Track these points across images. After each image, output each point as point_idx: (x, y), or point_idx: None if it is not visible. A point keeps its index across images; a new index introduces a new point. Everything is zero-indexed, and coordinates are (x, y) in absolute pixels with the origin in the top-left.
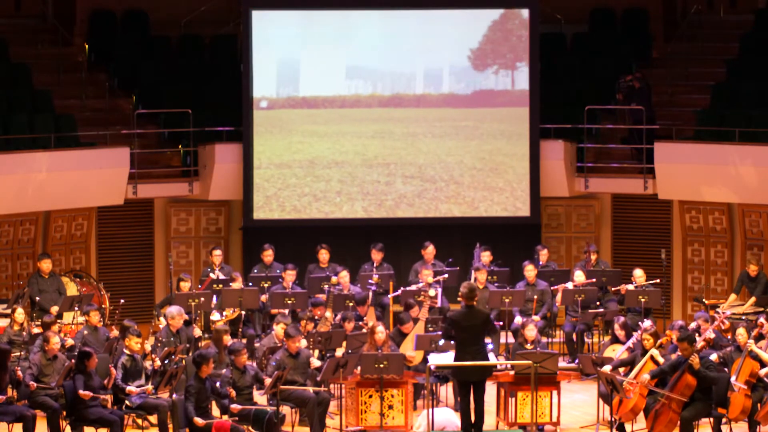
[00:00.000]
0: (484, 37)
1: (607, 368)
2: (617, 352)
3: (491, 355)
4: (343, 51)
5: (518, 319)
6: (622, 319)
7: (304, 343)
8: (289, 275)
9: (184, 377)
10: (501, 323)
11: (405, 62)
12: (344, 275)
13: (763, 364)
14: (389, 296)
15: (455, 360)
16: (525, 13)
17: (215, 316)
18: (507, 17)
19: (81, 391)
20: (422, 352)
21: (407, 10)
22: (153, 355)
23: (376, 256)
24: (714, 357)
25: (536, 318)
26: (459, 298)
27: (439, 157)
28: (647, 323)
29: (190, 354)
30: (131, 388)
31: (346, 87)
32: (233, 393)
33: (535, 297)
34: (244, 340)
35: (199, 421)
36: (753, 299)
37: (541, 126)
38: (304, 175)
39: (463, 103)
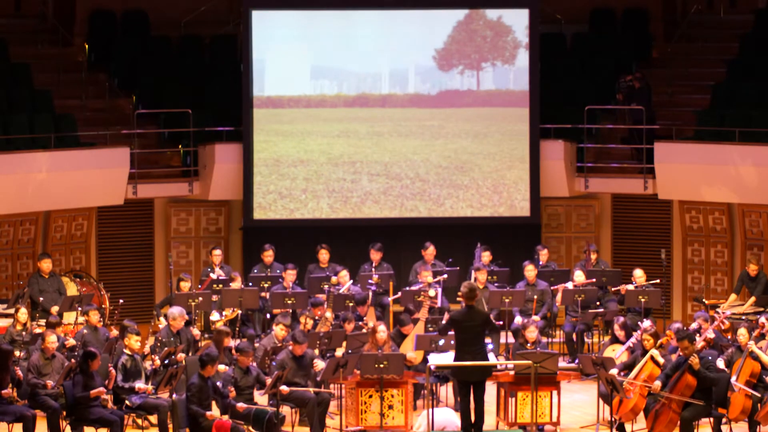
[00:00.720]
0: (449, 38)
1: (613, 371)
2: (617, 352)
3: (491, 355)
4: (308, 51)
5: (518, 319)
6: (621, 319)
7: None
8: (290, 275)
9: (184, 377)
10: (501, 322)
11: (371, 63)
12: (344, 275)
13: (764, 366)
14: (390, 299)
15: (455, 360)
16: (489, 13)
17: (215, 316)
18: (471, 18)
19: (93, 391)
20: (422, 352)
21: (368, 11)
22: (153, 356)
23: (375, 256)
24: (721, 363)
25: (536, 318)
26: (459, 298)
27: (404, 155)
28: (647, 323)
29: (190, 354)
30: (140, 384)
31: (311, 87)
32: (233, 392)
33: (535, 297)
34: (244, 340)
35: (210, 413)
36: (753, 299)
37: (541, 126)
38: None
39: (429, 103)
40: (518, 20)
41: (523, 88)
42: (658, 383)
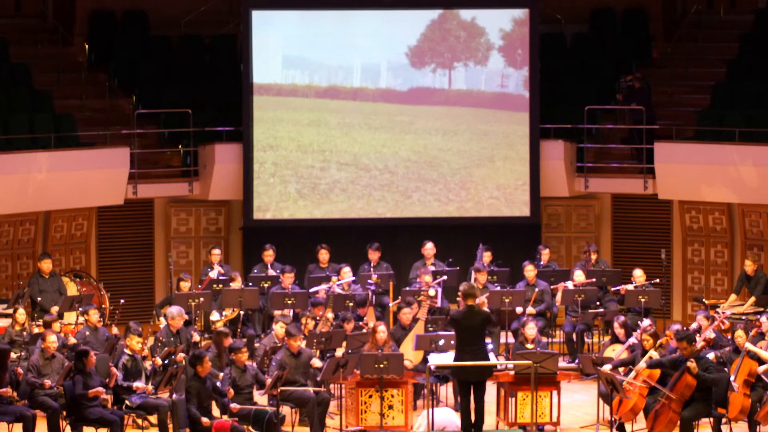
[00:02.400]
0: (422, 36)
1: (606, 367)
2: (617, 351)
3: (491, 355)
4: (287, 42)
5: (519, 309)
6: (621, 318)
7: (304, 342)
8: (288, 278)
9: (184, 377)
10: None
11: (344, 56)
12: (347, 271)
13: (761, 362)
14: (391, 303)
15: (455, 360)
16: (463, 13)
17: (215, 316)
18: (446, 18)
19: (92, 391)
20: (422, 352)
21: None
22: (154, 358)
23: (373, 255)
24: (711, 356)
25: (531, 310)
26: (458, 298)
27: (374, 147)
28: (646, 322)
29: (190, 354)
30: (139, 384)
31: (282, 76)
32: (231, 392)
33: (536, 290)
34: (244, 340)
35: (206, 420)
36: (753, 299)
37: (541, 126)
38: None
39: (399, 98)
40: (492, 22)
41: (494, 90)
42: (642, 364)
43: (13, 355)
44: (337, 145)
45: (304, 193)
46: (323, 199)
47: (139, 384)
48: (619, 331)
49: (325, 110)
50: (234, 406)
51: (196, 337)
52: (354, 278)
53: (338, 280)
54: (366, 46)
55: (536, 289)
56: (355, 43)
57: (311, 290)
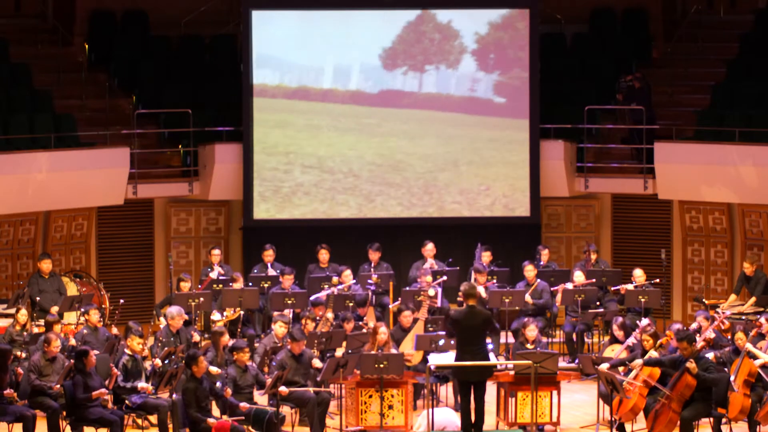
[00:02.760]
0: (397, 38)
1: (604, 366)
2: (616, 351)
3: (491, 355)
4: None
5: (528, 298)
6: (620, 319)
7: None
8: (287, 280)
9: (184, 377)
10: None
11: (315, 57)
12: (347, 274)
13: (762, 366)
14: (391, 304)
15: (456, 360)
16: (439, 15)
17: (216, 316)
18: (422, 19)
19: (94, 393)
20: (422, 352)
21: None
22: (154, 359)
23: (373, 256)
24: (711, 356)
25: (529, 299)
26: (459, 298)
27: (340, 150)
28: (644, 321)
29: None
30: (142, 384)
31: (260, 76)
32: (228, 392)
33: (537, 281)
34: (245, 340)
35: (212, 420)
36: (753, 299)
37: (541, 126)
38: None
39: (369, 101)
40: (468, 25)
41: (463, 94)
42: (639, 361)
43: (21, 354)
44: (303, 147)
45: (266, 195)
46: (285, 202)
47: (143, 384)
48: (618, 333)
49: (293, 111)
50: (244, 405)
51: (196, 337)
52: (355, 281)
53: (339, 282)
54: (340, 47)
55: (537, 280)
56: (330, 43)
57: (312, 298)
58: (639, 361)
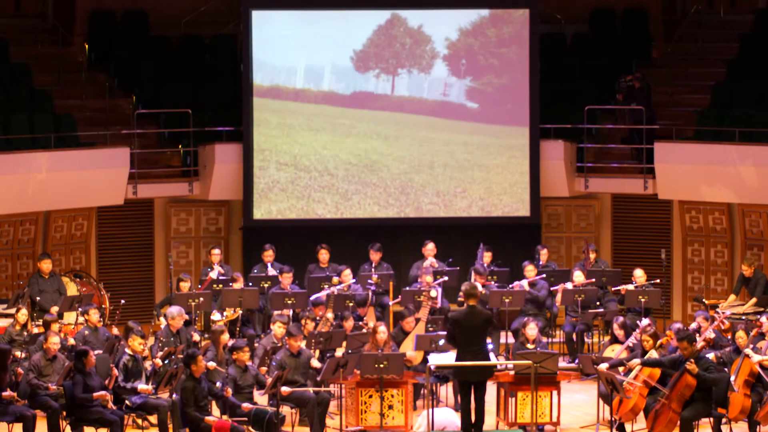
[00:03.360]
0: (368, 40)
1: (603, 366)
2: (616, 351)
3: (491, 355)
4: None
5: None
6: (620, 319)
7: (304, 343)
8: (286, 278)
9: (184, 377)
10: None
11: (288, 57)
12: (347, 273)
13: (762, 366)
14: (391, 302)
15: (456, 360)
16: (411, 19)
17: (216, 316)
18: (393, 23)
19: (96, 394)
20: (422, 352)
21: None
22: (154, 359)
23: (374, 256)
24: (711, 356)
25: (525, 285)
26: (460, 298)
27: (314, 149)
28: (645, 322)
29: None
30: (142, 386)
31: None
32: (229, 392)
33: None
34: (245, 340)
35: (211, 419)
36: (754, 300)
37: (541, 126)
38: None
39: (341, 102)
40: (439, 31)
41: (436, 98)
42: (637, 360)
43: (19, 354)
44: (277, 145)
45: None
46: (262, 198)
47: (141, 385)
48: (619, 333)
49: (266, 110)
50: (246, 405)
51: (196, 337)
52: (355, 280)
53: (339, 282)
54: (312, 47)
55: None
56: (304, 44)
57: (312, 298)
58: (637, 361)
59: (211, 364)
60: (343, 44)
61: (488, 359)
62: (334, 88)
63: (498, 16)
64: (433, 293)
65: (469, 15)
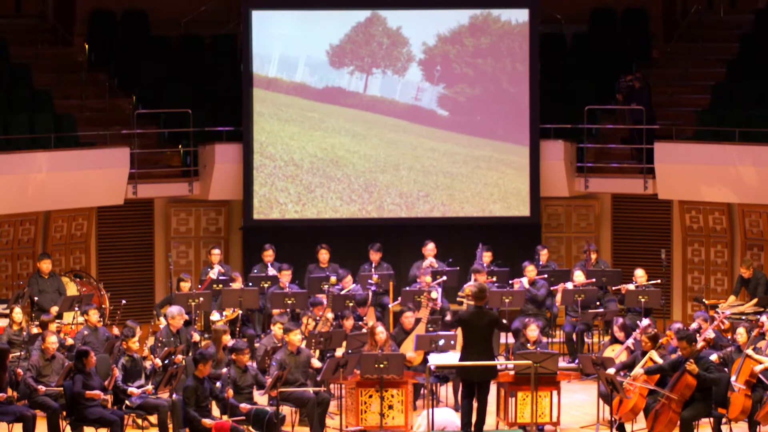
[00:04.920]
0: (346, 36)
1: (611, 371)
2: (616, 351)
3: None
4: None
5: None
6: (620, 320)
7: (304, 343)
8: (285, 275)
9: (184, 377)
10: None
11: (263, 46)
12: (348, 280)
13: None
14: (391, 304)
15: (461, 359)
16: (390, 19)
17: (215, 316)
18: (372, 22)
19: (89, 392)
20: (422, 352)
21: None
22: (153, 356)
23: (374, 256)
24: (714, 357)
25: (525, 283)
26: (459, 298)
27: (281, 138)
28: (645, 322)
29: (190, 354)
30: (132, 389)
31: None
32: (230, 393)
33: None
34: (244, 340)
35: (208, 422)
36: (755, 300)
37: (541, 126)
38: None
39: (313, 95)
40: (417, 34)
41: (407, 101)
42: (640, 370)
43: (17, 353)
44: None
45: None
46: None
47: (134, 389)
48: (619, 334)
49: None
50: (244, 406)
51: (196, 337)
52: (355, 284)
53: (337, 282)
54: (288, 37)
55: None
56: (280, 34)
57: (312, 300)
58: (640, 371)
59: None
60: (320, 38)
61: (493, 360)
62: (306, 81)
63: (477, 26)
64: (433, 294)
65: (449, 22)
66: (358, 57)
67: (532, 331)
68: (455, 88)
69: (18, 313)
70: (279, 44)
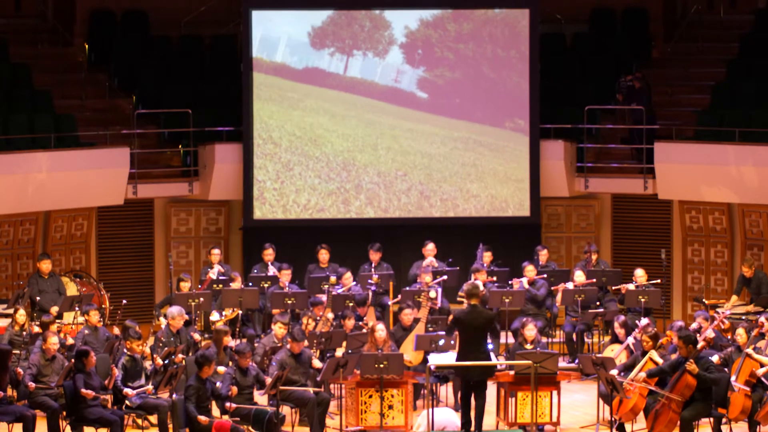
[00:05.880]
0: (328, 18)
1: (614, 372)
2: (616, 351)
3: (491, 355)
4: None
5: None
6: (622, 317)
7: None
8: (285, 275)
9: (184, 377)
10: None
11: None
12: (348, 277)
13: (762, 365)
14: (390, 302)
15: (458, 359)
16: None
17: (215, 316)
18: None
19: (83, 390)
20: (422, 352)
21: None
22: (154, 356)
23: (374, 256)
24: (715, 358)
25: (525, 284)
26: (459, 298)
27: (260, 117)
28: (644, 321)
29: (190, 354)
30: (128, 390)
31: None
32: (235, 390)
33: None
34: (244, 340)
35: (203, 418)
36: (760, 304)
37: (541, 126)
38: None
39: (292, 75)
40: (399, 18)
41: (387, 83)
42: (642, 374)
43: (17, 353)
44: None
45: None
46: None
47: (128, 390)
48: (620, 331)
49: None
50: (229, 405)
51: (197, 337)
52: (355, 283)
53: (337, 282)
54: (270, 17)
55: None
56: (261, 13)
57: (312, 300)
58: (642, 375)
59: (221, 369)
60: (302, 18)
61: (489, 359)
62: (287, 61)
63: (460, 13)
64: (432, 294)
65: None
66: (339, 38)
67: (530, 330)
68: (435, 72)
69: (22, 315)
70: (266, 27)
